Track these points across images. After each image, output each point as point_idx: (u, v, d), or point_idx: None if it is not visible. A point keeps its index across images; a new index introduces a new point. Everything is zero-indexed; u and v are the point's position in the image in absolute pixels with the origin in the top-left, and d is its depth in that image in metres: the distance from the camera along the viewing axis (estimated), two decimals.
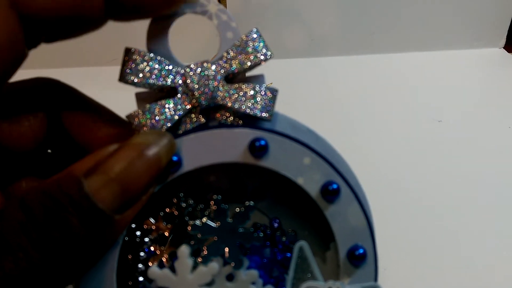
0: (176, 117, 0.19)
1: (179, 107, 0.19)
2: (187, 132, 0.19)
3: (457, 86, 0.53)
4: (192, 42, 0.55)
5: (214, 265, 0.20)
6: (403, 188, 0.38)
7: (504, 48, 0.64)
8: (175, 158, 0.19)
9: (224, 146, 0.19)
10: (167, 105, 0.19)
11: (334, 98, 0.52)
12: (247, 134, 0.19)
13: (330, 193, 0.19)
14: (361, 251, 0.20)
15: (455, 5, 0.60)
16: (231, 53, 0.19)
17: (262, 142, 0.19)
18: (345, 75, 0.57)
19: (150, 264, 0.21)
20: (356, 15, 0.60)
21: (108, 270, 0.19)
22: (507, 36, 0.63)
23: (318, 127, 0.46)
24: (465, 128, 0.46)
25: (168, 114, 0.19)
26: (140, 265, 0.21)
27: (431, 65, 0.58)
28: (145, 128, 0.19)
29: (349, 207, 0.20)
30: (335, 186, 0.19)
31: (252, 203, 0.21)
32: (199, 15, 0.20)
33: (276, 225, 0.21)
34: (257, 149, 0.19)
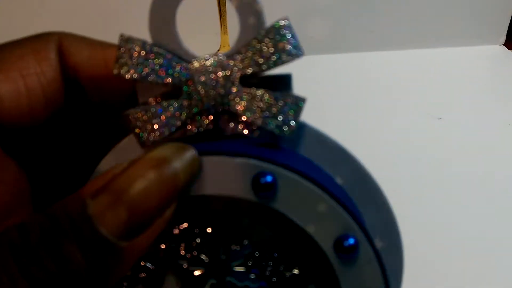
0: (179, 123, 0.16)
1: (184, 110, 0.16)
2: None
3: (457, 83, 0.53)
4: (204, 26, 0.55)
5: None
6: (402, 185, 0.37)
7: (504, 45, 0.63)
8: None
9: (224, 178, 0.16)
10: (170, 107, 0.16)
11: (332, 96, 0.51)
12: (251, 167, 0.15)
13: (345, 249, 0.16)
14: None
15: (454, 2, 0.60)
16: (252, 47, 0.15)
17: (269, 179, 0.15)
18: (344, 72, 0.57)
19: None
20: (355, 13, 0.60)
21: None
22: (507, 33, 0.63)
23: (317, 125, 0.46)
24: (465, 125, 0.46)
25: (171, 117, 0.16)
26: None
27: (430, 62, 0.59)
28: (140, 131, 0.16)
29: (367, 268, 0.16)
30: (352, 241, 0.16)
31: (247, 241, 0.18)
32: None
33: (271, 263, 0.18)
34: (262, 187, 0.15)
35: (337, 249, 0.16)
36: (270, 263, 0.18)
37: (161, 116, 0.16)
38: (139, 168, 0.14)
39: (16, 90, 0.16)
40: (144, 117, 0.16)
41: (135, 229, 0.13)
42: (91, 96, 0.18)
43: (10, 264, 0.12)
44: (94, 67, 0.17)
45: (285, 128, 0.16)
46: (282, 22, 0.16)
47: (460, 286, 0.29)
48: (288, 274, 0.18)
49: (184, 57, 0.16)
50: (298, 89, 0.57)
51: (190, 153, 0.15)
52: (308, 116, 0.50)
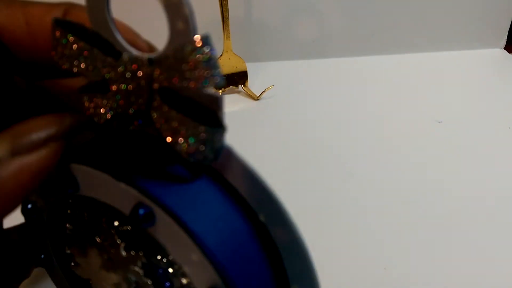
0: (108, 116, 0.15)
1: (109, 108, 0.15)
2: (83, 160, 0.16)
3: (457, 87, 0.54)
4: (207, 31, 0.55)
5: None
6: (404, 189, 0.38)
7: (504, 48, 0.64)
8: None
9: (113, 195, 0.16)
10: (98, 101, 0.15)
11: (335, 100, 0.52)
12: (131, 196, 0.15)
13: None
14: None
15: (455, 6, 0.60)
16: (169, 61, 0.14)
17: (144, 211, 0.15)
18: (346, 76, 0.57)
19: None
20: (356, 17, 0.60)
21: None
22: (507, 37, 0.63)
23: (319, 129, 0.47)
24: (465, 128, 0.46)
25: (98, 110, 0.15)
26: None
27: (431, 66, 0.59)
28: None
29: None
30: None
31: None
32: None
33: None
34: (140, 217, 0.15)
35: None
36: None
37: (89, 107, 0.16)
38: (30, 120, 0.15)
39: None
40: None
41: (18, 148, 0.14)
42: (18, 55, 0.18)
43: None
44: (15, 26, 0.17)
45: (200, 157, 0.14)
46: (204, 38, 0.13)
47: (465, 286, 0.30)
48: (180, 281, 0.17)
49: (117, 47, 0.15)
50: (299, 92, 0.58)
51: (64, 125, 0.15)
52: (309, 118, 0.51)
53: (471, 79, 0.55)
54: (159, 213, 0.15)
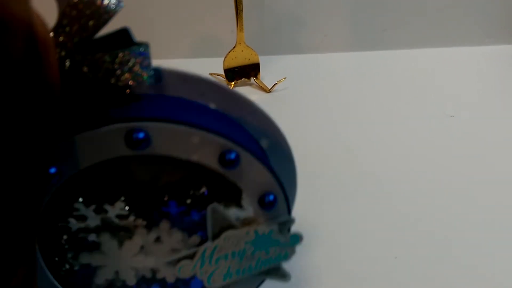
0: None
1: None
2: (63, 137, 0.17)
3: (469, 82, 0.54)
4: (221, 24, 0.55)
5: (139, 235, 0.20)
6: (415, 182, 0.38)
7: None
8: (52, 171, 0.17)
9: (97, 149, 0.17)
10: None
11: (346, 94, 0.52)
12: (118, 130, 0.17)
13: (228, 163, 0.19)
14: (271, 197, 0.21)
15: (467, 2, 0.60)
16: (69, 16, 0.15)
17: (140, 135, 0.17)
18: (358, 70, 0.58)
19: None
20: (368, 11, 0.60)
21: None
22: None
23: (330, 123, 0.47)
24: (476, 123, 0.46)
25: None
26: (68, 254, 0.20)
27: (443, 61, 0.58)
28: None
29: (252, 168, 0.19)
30: (233, 155, 0.19)
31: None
32: None
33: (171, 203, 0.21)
34: (135, 143, 0.17)
35: (222, 165, 0.19)
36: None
37: None
38: None
39: None
40: None
41: None
42: None
43: None
44: None
45: (142, 78, 0.17)
46: None
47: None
48: (198, 193, 0.21)
49: None
50: (311, 86, 0.58)
51: None
52: (320, 112, 0.51)
53: (482, 74, 0.55)
54: (152, 128, 0.17)
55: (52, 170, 0.17)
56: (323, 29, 0.61)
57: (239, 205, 0.22)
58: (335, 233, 0.32)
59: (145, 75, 0.17)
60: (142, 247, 0.21)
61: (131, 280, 0.21)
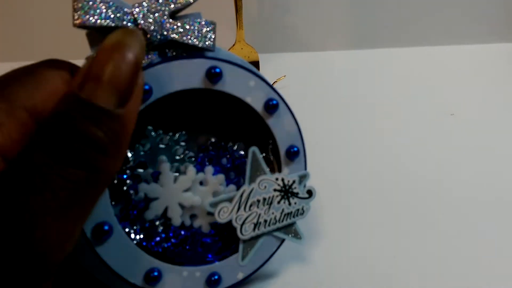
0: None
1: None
2: (151, 65, 0.21)
3: (470, 80, 0.53)
4: (220, 21, 0.55)
5: (191, 171, 0.24)
6: (416, 181, 0.37)
7: None
8: (146, 87, 0.21)
9: (185, 75, 0.22)
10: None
11: (346, 92, 0.51)
12: (204, 63, 0.22)
13: (271, 107, 0.24)
14: (295, 149, 0.25)
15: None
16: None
17: (217, 70, 0.22)
18: (357, 69, 0.57)
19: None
20: (367, 9, 0.59)
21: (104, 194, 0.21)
22: None
23: (328, 121, 0.47)
24: (477, 121, 0.45)
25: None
26: (128, 181, 0.23)
27: (444, 59, 0.58)
28: None
29: (285, 117, 0.25)
30: (275, 102, 0.24)
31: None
32: None
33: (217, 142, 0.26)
34: (213, 75, 0.22)
35: (266, 109, 0.24)
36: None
37: None
38: (104, 54, 0.17)
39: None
40: None
41: (122, 96, 0.16)
42: None
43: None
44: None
45: (209, 43, 0.22)
46: None
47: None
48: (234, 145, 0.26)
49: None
50: (310, 84, 0.58)
51: (139, 36, 0.18)
52: (319, 110, 0.50)
53: (483, 72, 0.55)
54: (224, 66, 0.23)
55: (146, 86, 0.21)
56: (323, 27, 0.60)
57: (267, 153, 0.26)
58: (333, 228, 0.32)
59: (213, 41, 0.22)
60: (191, 185, 0.24)
61: (176, 220, 0.24)
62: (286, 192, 0.25)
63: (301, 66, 0.58)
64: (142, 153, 0.23)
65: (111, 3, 0.19)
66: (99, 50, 0.17)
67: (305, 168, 0.26)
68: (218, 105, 0.26)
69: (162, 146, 0.24)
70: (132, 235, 0.23)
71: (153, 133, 0.23)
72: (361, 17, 0.60)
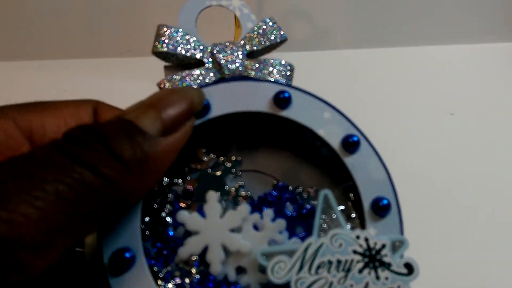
0: (204, 81, 0.21)
1: (207, 76, 0.21)
2: (216, 82, 0.21)
3: (470, 80, 0.53)
4: (212, 30, 0.54)
5: (245, 207, 0.19)
6: (415, 181, 0.37)
7: None
8: (205, 102, 0.20)
9: (250, 97, 0.20)
10: (195, 72, 0.21)
11: (345, 92, 0.50)
12: (272, 87, 0.21)
13: (350, 144, 0.20)
14: (385, 201, 0.20)
15: None
16: (252, 35, 0.23)
17: (286, 94, 0.20)
18: (357, 68, 0.56)
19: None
20: (368, 8, 0.59)
21: (133, 216, 0.18)
22: None
23: None
24: (477, 121, 0.45)
25: (197, 81, 0.21)
26: (168, 206, 0.20)
27: (444, 58, 0.57)
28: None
29: (370, 160, 0.21)
30: (355, 138, 0.21)
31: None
32: (224, 7, 0.23)
33: (281, 184, 0.22)
34: (282, 100, 0.20)
35: (344, 146, 0.20)
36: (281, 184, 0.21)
37: (188, 81, 0.21)
38: (164, 91, 0.18)
39: (58, 126, 0.18)
40: (173, 83, 0.21)
41: (166, 127, 0.16)
42: None
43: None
44: (50, 132, 0.19)
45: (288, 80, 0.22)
46: (268, 20, 0.23)
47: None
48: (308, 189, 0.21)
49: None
50: (310, 84, 0.55)
51: (196, 88, 0.19)
52: None
53: (484, 72, 0.54)
54: (295, 93, 0.21)
55: (205, 102, 0.20)
56: (323, 26, 0.59)
57: (348, 201, 0.21)
58: None
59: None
60: (241, 225, 0.19)
61: (215, 267, 0.19)
62: (372, 258, 0.18)
63: (300, 66, 0.56)
64: (189, 178, 0.20)
65: (192, 37, 0.21)
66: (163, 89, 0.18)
67: (401, 231, 0.20)
68: (283, 135, 0.22)
69: (214, 173, 0.20)
70: (160, 281, 0.19)
71: (205, 157, 0.20)
72: (361, 16, 0.59)
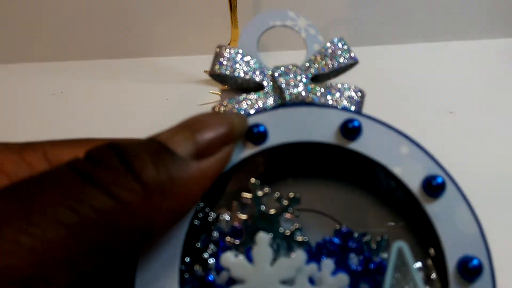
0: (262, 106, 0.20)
1: (266, 101, 0.20)
2: (275, 107, 0.19)
3: (469, 77, 0.52)
4: (215, 20, 0.54)
5: (301, 255, 0.16)
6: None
7: None
8: (261, 129, 0.18)
9: (314, 125, 0.18)
10: (253, 96, 0.20)
11: None
12: (340, 115, 0.18)
13: (434, 188, 0.17)
14: (475, 262, 0.16)
15: None
16: (318, 57, 0.21)
17: (356, 123, 0.18)
18: (355, 66, 0.55)
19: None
20: (365, 4, 0.57)
21: (171, 255, 0.16)
22: None
23: None
24: (476, 119, 0.45)
25: (255, 106, 0.20)
26: (211, 246, 0.17)
27: (443, 55, 0.55)
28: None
29: (457, 208, 0.17)
30: (440, 180, 0.17)
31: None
32: (289, 28, 0.22)
33: (345, 230, 0.18)
34: (350, 130, 0.18)
35: (426, 188, 0.17)
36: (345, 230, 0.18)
37: (245, 106, 0.20)
38: (205, 114, 0.16)
39: None
40: (229, 107, 0.20)
41: (200, 150, 0.15)
42: None
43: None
44: None
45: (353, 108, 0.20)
46: (338, 41, 0.22)
47: None
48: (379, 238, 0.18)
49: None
50: None
51: (245, 119, 0.18)
52: None
53: (484, 68, 0.53)
54: (366, 122, 0.18)
55: (261, 128, 0.18)
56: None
57: (428, 258, 0.18)
58: None
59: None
60: (294, 276, 0.16)
61: None
62: None
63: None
64: (238, 213, 0.18)
65: (252, 59, 0.20)
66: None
67: None
68: (349, 171, 0.20)
69: (267, 210, 0.18)
70: None
71: (259, 192, 0.18)
72: (358, 14, 0.57)
